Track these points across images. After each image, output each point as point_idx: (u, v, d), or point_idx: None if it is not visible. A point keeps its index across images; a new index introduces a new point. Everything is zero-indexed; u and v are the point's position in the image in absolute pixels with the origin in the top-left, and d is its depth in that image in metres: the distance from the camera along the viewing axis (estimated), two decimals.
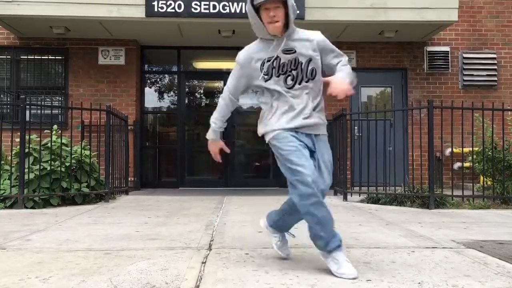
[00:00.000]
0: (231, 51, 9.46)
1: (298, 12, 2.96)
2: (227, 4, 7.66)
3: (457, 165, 7.88)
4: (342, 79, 2.66)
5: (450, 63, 9.11)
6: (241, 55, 2.78)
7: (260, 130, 2.82)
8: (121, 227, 4.33)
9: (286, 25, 2.65)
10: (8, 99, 8.77)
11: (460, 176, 6.99)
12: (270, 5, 2.57)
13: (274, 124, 2.70)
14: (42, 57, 8.91)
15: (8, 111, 8.79)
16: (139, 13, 7.60)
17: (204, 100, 10.19)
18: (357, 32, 8.47)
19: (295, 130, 2.68)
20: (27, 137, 5.97)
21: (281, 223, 2.90)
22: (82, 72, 8.86)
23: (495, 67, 9.15)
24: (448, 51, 9.10)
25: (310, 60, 2.71)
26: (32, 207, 5.77)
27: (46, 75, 9.02)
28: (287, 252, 2.97)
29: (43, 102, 7.92)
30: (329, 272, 2.59)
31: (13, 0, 7.43)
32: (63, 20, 7.80)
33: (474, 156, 6.79)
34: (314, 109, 2.76)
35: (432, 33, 8.68)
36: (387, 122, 6.89)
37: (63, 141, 6.43)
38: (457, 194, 6.27)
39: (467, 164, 7.29)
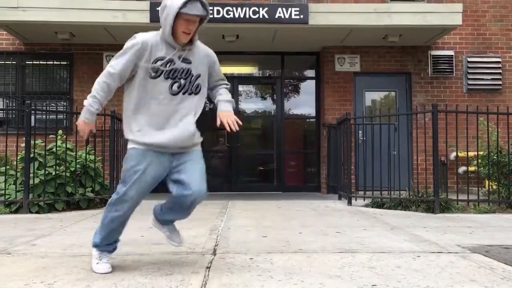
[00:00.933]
0: (235, 56, 9.60)
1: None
2: (231, 9, 7.69)
3: (462, 169, 7.85)
4: (228, 111, 2.91)
5: (454, 67, 9.08)
6: (140, 39, 2.70)
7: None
8: (125, 232, 4.32)
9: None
10: (14, 105, 8.81)
11: (465, 180, 6.96)
12: (195, 18, 2.62)
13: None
14: (47, 63, 8.95)
15: (14, 116, 8.83)
16: (144, 18, 7.62)
17: (208, 104, 10.20)
18: (361, 37, 8.47)
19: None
20: (32, 142, 5.99)
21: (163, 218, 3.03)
22: (87, 77, 8.89)
23: (500, 71, 9.12)
24: (452, 55, 9.08)
25: (199, 76, 2.79)
26: (37, 212, 5.79)
27: (51, 80, 9.06)
28: (179, 240, 3.04)
29: (48, 107, 7.94)
30: (336, 276, 2.58)
31: (18, 6, 7.48)
32: (68, 26, 7.84)
33: (479, 160, 6.76)
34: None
35: (436, 37, 8.67)
36: (392, 126, 6.88)
37: (68, 146, 6.45)
38: (462, 198, 6.24)
39: (472, 168, 7.26)
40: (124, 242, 3.78)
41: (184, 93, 2.73)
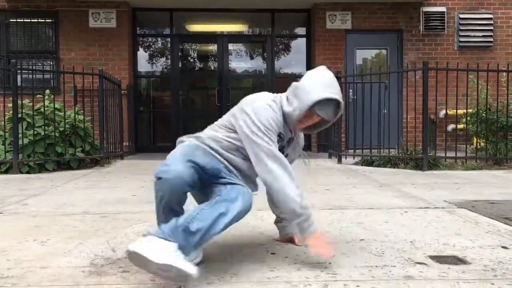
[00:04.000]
0: (224, 13, 9.42)
1: None
2: None
3: (451, 127, 7.91)
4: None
5: (446, 24, 9.00)
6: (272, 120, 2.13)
7: None
8: (117, 191, 4.36)
9: None
10: None
11: (453, 138, 7.04)
12: (320, 119, 2.14)
13: None
14: (32, 20, 8.73)
15: None
16: None
17: (197, 64, 10.09)
18: None
19: None
20: (19, 102, 5.92)
21: None
22: (73, 36, 8.71)
23: (491, 27, 9.06)
24: (444, 12, 8.98)
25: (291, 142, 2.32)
26: (28, 172, 5.79)
27: (37, 39, 8.86)
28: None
29: (34, 67, 7.80)
30: (325, 231, 2.63)
31: None
32: None
33: (468, 118, 6.81)
34: None
35: None
36: (382, 84, 6.87)
37: (56, 106, 6.38)
38: (450, 155, 6.32)
39: (460, 126, 7.32)
40: (115, 201, 3.82)
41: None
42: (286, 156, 2.21)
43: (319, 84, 2.10)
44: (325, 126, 2.25)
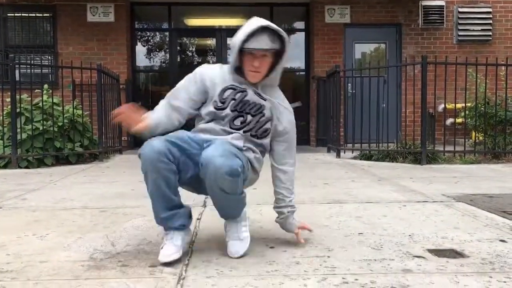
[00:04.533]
0: (223, 8, 9.39)
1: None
2: None
3: (449, 121, 7.91)
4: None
5: (445, 18, 8.99)
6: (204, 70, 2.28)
7: None
8: (116, 185, 4.36)
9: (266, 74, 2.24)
10: None
11: (452, 132, 7.04)
12: (258, 52, 2.13)
13: None
14: (30, 15, 8.69)
15: None
16: None
17: (196, 58, 10.06)
18: None
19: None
20: (17, 97, 5.90)
21: None
22: (71, 30, 8.67)
23: (490, 21, 9.04)
24: (443, 5, 8.96)
25: (270, 120, 2.24)
26: (26, 167, 5.78)
27: (35, 33, 8.83)
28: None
29: (32, 61, 7.77)
30: (323, 225, 2.63)
31: None
32: None
33: (467, 112, 6.81)
34: None
35: None
36: (381, 78, 6.86)
37: (55, 100, 6.37)
38: (449, 149, 6.33)
39: (459, 120, 7.33)
40: (114, 195, 3.82)
41: (245, 132, 2.21)
42: (259, 113, 2.20)
43: (242, 29, 2.15)
44: (280, 61, 2.27)
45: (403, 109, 7.40)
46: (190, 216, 2.21)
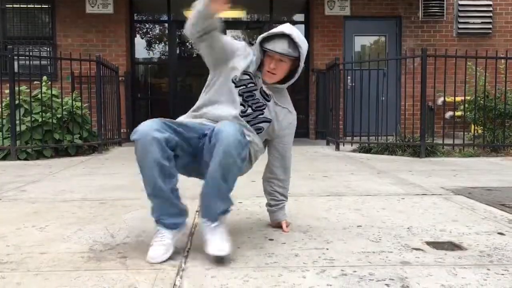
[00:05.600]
0: None
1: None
2: None
3: (448, 114, 7.91)
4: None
5: (445, 11, 8.95)
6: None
7: None
8: (115, 177, 4.37)
9: (283, 80, 2.32)
10: None
11: (451, 125, 7.04)
12: (275, 55, 2.21)
13: None
14: (28, 6, 8.65)
15: None
16: None
17: (195, 50, 10.02)
18: None
19: None
20: (16, 88, 5.89)
21: None
22: (70, 22, 8.64)
23: (490, 14, 9.02)
24: None
25: (267, 121, 2.31)
26: (26, 159, 5.78)
27: (33, 24, 8.79)
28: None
29: (31, 53, 7.75)
30: (322, 218, 2.64)
31: None
32: None
33: (466, 105, 6.81)
34: None
35: None
36: (381, 71, 6.85)
37: (54, 92, 6.36)
38: (448, 142, 6.33)
39: (458, 113, 7.33)
40: (114, 187, 3.82)
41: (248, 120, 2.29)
42: (259, 111, 2.28)
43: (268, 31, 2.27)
44: (296, 70, 2.31)
45: (403, 102, 7.39)
46: (185, 214, 2.17)
